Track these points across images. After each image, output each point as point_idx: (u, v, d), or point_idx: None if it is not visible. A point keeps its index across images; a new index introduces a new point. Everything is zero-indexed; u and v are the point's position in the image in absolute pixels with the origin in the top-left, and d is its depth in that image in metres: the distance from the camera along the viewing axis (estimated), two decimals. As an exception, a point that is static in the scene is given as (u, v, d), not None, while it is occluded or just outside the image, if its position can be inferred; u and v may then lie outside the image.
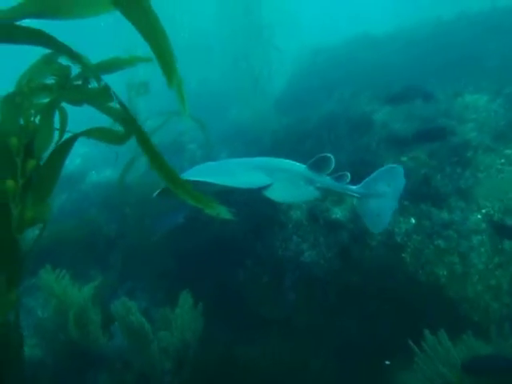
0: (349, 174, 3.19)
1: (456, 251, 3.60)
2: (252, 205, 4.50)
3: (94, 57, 2.02)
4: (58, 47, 1.67)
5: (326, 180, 3.13)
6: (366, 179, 3.28)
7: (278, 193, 2.94)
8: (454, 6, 8.90)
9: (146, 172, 7.00)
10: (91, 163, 10.48)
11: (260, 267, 4.50)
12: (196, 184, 2.66)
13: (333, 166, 3.12)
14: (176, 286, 4.00)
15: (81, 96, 2.04)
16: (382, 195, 3.25)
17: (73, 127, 2.06)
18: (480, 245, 3.57)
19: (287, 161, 3.20)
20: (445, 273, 3.52)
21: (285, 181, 3.02)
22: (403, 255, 3.66)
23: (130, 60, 2.33)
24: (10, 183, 1.62)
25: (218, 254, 4.66)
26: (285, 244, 4.23)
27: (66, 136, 2.01)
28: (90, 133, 2.03)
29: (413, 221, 3.81)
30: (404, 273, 3.62)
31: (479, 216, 3.66)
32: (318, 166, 3.10)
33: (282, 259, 4.26)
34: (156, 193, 2.74)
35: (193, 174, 2.83)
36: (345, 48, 10.39)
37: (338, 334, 4.11)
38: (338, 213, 4.04)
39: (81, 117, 4.53)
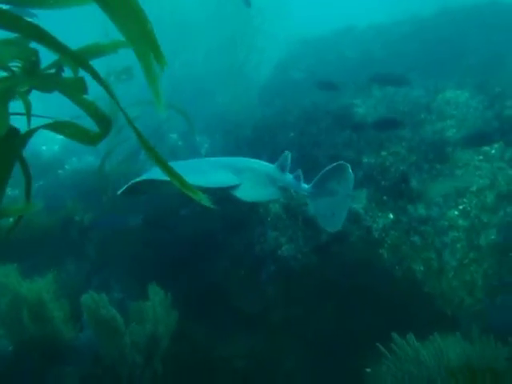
0: (301, 172, 3.26)
1: (432, 247, 3.61)
2: (227, 201, 4.44)
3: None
4: (30, 31, 1.54)
5: (285, 179, 3.20)
6: (315, 178, 3.32)
7: (246, 192, 2.97)
8: (436, 1, 8.92)
9: (125, 159, 6.83)
10: (74, 149, 10.10)
11: (237, 261, 4.45)
12: (164, 183, 2.61)
13: (289, 162, 3.20)
14: (151, 278, 3.91)
15: (50, 85, 1.89)
16: (333, 194, 3.27)
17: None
18: (456, 241, 3.59)
19: (255, 160, 3.25)
20: (421, 268, 3.53)
21: (252, 180, 3.06)
22: (381, 251, 3.65)
23: (112, 46, 2.20)
24: None
25: (195, 248, 4.59)
26: (263, 238, 4.18)
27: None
28: (55, 127, 1.88)
29: (391, 216, 3.80)
30: (381, 268, 3.62)
31: (456, 212, 3.67)
32: (283, 163, 3.19)
33: (259, 253, 4.21)
34: (120, 191, 2.67)
35: (158, 173, 2.68)
36: (331, 40, 10.32)
37: (314, 328, 4.10)
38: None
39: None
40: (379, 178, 4.07)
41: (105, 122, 1.86)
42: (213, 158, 3.31)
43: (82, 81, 1.95)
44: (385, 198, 3.88)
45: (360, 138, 4.62)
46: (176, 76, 10.55)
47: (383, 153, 4.23)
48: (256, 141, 5.72)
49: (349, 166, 3.25)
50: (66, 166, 9.22)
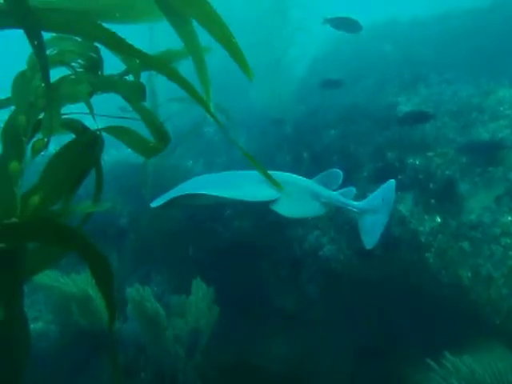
0: (354, 190, 3.20)
1: (482, 253, 3.47)
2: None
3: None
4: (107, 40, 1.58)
5: (331, 195, 3.11)
6: (370, 195, 3.28)
7: (286, 207, 2.88)
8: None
9: (166, 153, 6.91)
10: (111, 140, 10.30)
11: (278, 260, 4.44)
12: (200, 197, 2.60)
13: (340, 181, 3.13)
14: (192, 273, 3.96)
15: (110, 86, 1.91)
16: (377, 211, 3.23)
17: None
18: (508, 248, 3.43)
19: (294, 175, 3.17)
20: (469, 275, 3.40)
21: (292, 195, 2.95)
22: (427, 255, 3.54)
23: (183, 53, 2.24)
24: (14, 164, 1.52)
25: (237, 247, 4.59)
26: (304, 238, 4.15)
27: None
28: (116, 132, 1.90)
29: (438, 220, 3.67)
30: (427, 273, 3.51)
31: (510, 218, 3.50)
32: (326, 180, 3.11)
33: (300, 253, 4.18)
34: (156, 204, 2.62)
35: (196, 186, 2.72)
36: (369, 35, 10.04)
37: (354, 331, 4.05)
38: (360, 208, 3.91)
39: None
40: (425, 180, 3.94)
41: (161, 134, 1.87)
42: (250, 172, 3.20)
43: (141, 86, 1.96)
44: (432, 201, 3.76)
45: (404, 138, 4.49)
46: (216, 71, 10.58)
47: (430, 153, 4.09)
48: (296, 139, 5.66)
49: (394, 183, 3.21)
50: (105, 157, 9.46)
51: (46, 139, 1.62)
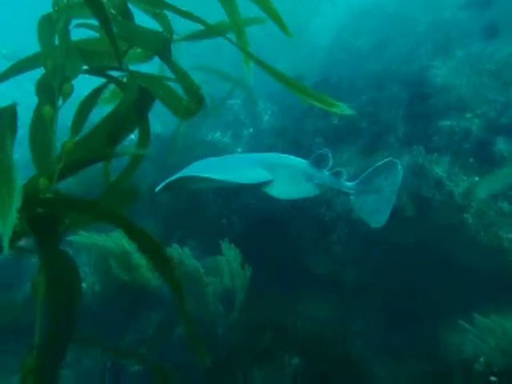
0: (344, 171, 3.23)
1: (522, 214, 3.41)
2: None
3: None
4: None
5: (324, 176, 3.16)
6: (362, 175, 3.28)
7: (279, 189, 2.96)
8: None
9: (192, 123, 6.93)
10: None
11: (308, 225, 4.47)
12: (196, 180, 2.71)
13: (331, 162, 3.17)
14: (224, 238, 4.03)
15: (136, 37, 1.87)
16: (379, 190, 3.24)
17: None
18: (550, 209, 3.36)
19: (289, 156, 3.22)
20: (509, 236, 3.35)
21: (286, 177, 3.03)
22: (465, 216, 3.50)
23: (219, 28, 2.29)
24: (47, 109, 1.54)
25: (267, 213, 4.64)
26: (334, 201, 4.16)
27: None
28: (151, 82, 1.81)
29: (477, 180, 3.61)
30: (464, 235, 3.48)
31: (552, 178, 3.42)
32: (318, 161, 3.15)
33: (330, 216, 4.20)
34: (158, 188, 2.69)
35: (193, 170, 2.80)
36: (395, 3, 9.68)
37: (386, 295, 4.08)
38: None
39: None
40: (462, 141, 3.86)
41: (197, 97, 1.84)
42: (246, 155, 3.38)
43: (168, 40, 1.94)
44: (471, 161, 3.69)
45: (440, 101, 4.38)
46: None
47: (468, 115, 3.99)
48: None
49: (398, 162, 3.20)
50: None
51: (72, 83, 1.63)
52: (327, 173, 3.20)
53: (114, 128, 1.73)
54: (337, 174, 3.23)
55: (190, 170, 2.84)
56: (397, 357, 3.88)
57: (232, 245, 3.85)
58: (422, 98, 4.51)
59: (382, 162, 3.25)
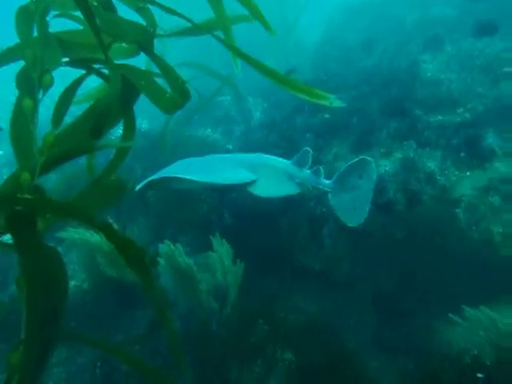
0: (321, 168, 3.31)
1: (512, 208, 3.45)
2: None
3: None
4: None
5: (304, 175, 3.26)
6: (337, 173, 3.35)
7: (261, 188, 3.07)
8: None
9: (181, 120, 6.88)
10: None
11: (299, 223, 4.46)
12: (179, 181, 2.74)
13: (310, 160, 3.27)
14: (214, 234, 4.00)
15: (119, 30, 1.83)
16: (355, 188, 3.29)
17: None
18: (540, 202, 3.40)
19: (271, 157, 3.31)
20: (500, 230, 3.39)
21: (268, 177, 3.12)
22: (456, 210, 3.53)
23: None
24: (27, 101, 1.51)
25: (257, 208, 4.62)
26: (325, 198, 4.15)
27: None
28: (134, 73, 1.75)
29: (468, 174, 3.64)
30: (455, 229, 3.51)
31: (542, 172, 3.46)
32: (300, 161, 3.25)
33: (320, 213, 4.19)
34: (139, 186, 2.71)
35: (176, 171, 2.84)
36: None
37: (379, 289, 4.09)
38: (387, 165, 3.89)
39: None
40: (454, 136, 3.88)
41: (182, 91, 1.81)
42: (229, 155, 3.40)
43: (151, 33, 1.90)
44: (462, 154, 3.72)
45: (429, 95, 4.40)
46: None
47: (459, 110, 4.02)
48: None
49: (372, 160, 3.25)
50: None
51: (51, 74, 1.61)
52: (308, 171, 3.28)
53: (97, 120, 1.70)
54: (316, 172, 3.30)
55: (171, 170, 2.88)
56: (389, 350, 3.90)
57: (223, 240, 3.82)
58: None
59: (355, 160, 3.29)
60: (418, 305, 3.85)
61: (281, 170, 3.22)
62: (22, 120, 1.62)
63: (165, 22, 2.60)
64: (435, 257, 3.65)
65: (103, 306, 3.80)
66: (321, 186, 3.35)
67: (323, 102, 2.02)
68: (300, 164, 3.26)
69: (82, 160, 2.23)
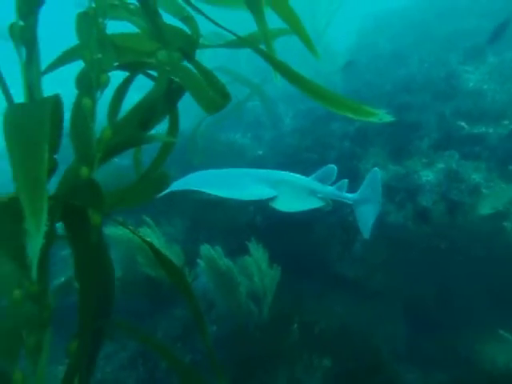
0: (346, 182, 3.37)
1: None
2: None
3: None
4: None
5: (327, 190, 3.33)
6: (362, 186, 3.43)
7: (282, 204, 3.12)
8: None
9: (211, 123, 6.96)
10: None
11: (333, 227, 4.44)
12: (201, 192, 2.81)
13: (335, 176, 3.34)
14: (249, 238, 4.02)
15: (164, 34, 1.90)
16: (367, 201, 3.39)
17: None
18: None
19: (291, 174, 3.39)
20: (550, 245, 3.31)
21: (289, 193, 3.18)
22: (504, 224, 3.45)
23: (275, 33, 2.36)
24: (85, 100, 1.57)
25: (289, 221, 4.61)
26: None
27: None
28: (184, 74, 1.87)
29: (516, 188, 3.57)
30: (502, 242, 3.43)
31: None
32: (322, 176, 3.34)
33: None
34: (161, 195, 2.79)
35: (198, 182, 2.92)
36: (420, 8, 9.67)
37: (413, 298, 4.03)
38: (429, 175, 3.85)
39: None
40: (500, 148, 3.81)
41: (222, 94, 1.85)
42: (249, 170, 3.44)
43: (196, 40, 1.96)
44: (511, 167, 3.64)
45: (474, 107, 4.34)
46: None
47: (505, 122, 3.95)
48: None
49: (378, 171, 3.35)
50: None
51: (108, 75, 1.68)
52: (330, 187, 3.36)
53: (144, 116, 1.78)
54: (341, 187, 3.37)
55: (193, 181, 2.93)
56: (425, 364, 3.83)
57: (259, 245, 3.83)
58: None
59: (371, 172, 3.39)
60: (458, 318, 3.77)
61: (301, 185, 3.29)
62: (82, 118, 1.68)
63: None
64: (478, 271, 3.58)
65: (140, 303, 3.85)
66: (344, 200, 3.42)
67: (372, 119, 1.96)
68: (323, 179, 3.33)
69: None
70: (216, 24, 1.96)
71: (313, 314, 3.90)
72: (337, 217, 4.48)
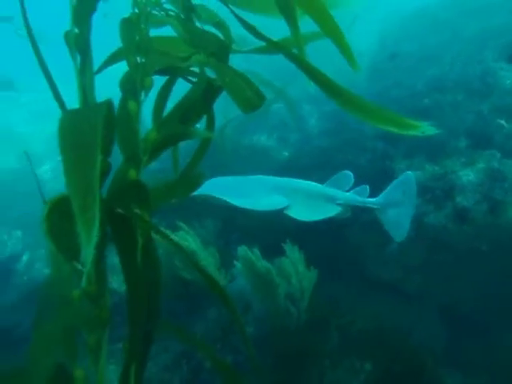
0: (368, 187, 3.34)
1: None
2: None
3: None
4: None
5: (346, 196, 3.30)
6: (385, 191, 3.39)
7: (299, 212, 3.14)
8: None
9: (236, 125, 7.00)
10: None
11: (369, 228, 4.38)
12: (215, 199, 2.92)
13: (352, 181, 3.33)
14: (282, 240, 4.00)
15: (197, 38, 1.94)
16: (399, 204, 3.33)
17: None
18: None
19: (306, 182, 3.39)
20: None
21: (303, 202, 3.20)
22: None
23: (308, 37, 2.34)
24: (131, 104, 1.59)
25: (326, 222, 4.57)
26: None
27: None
28: (221, 70, 1.89)
29: None
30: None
31: None
32: (338, 182, 3.33)
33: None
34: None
35: (213, 189, 2.97)
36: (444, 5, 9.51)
37: (452, 301, 3.95)
38: (469, 174, 3.76)
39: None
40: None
41: (257, 94, 1.87)
42: (268, 178, 3.45)
43: (228, 45, 1.98)
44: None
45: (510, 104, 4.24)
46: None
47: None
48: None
49: (412, 174, 3.31)
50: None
51: (151, 78, 1.70)
52: (348, 192, 3.34)
53: (184, 115, 1.81)
54: (361, 192, 3.35)
55: (209, 187, 2.95)
56: (466, 368, 3.74)
57: (295, 246, 3.81)
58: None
59: (400, 176, 3.38)
60: (499, 323, 3.67)
61: (316, 193, 3.29)
62: (128, 121, 1.71)
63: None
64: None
65: (177, 305, 3.87)
66: (367, 205, 3.39)
67: (414, 133, 1.85)
68: (338, 185, 3.33)
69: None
70: (249, 29, 1.95)
71: (349, 316, 3.85)
72: (371, 216, 4.41)
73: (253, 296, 3.52)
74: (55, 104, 1.65)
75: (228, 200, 2.89)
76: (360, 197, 3.34)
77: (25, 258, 7.55)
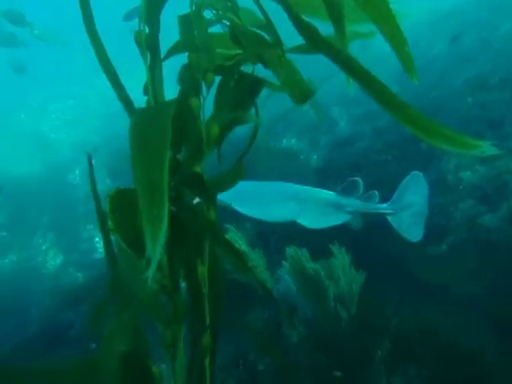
0: (377, 193, 3.33)
1: None
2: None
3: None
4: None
5: (356, 203, 3.32)
6: (395, 194, 3.37)
7: (310, 221, 3.24)
8: None
9: (266, 128, 6.96)
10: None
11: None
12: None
13: (361, 188, 3.31)
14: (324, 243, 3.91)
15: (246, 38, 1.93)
16: (411, 205, 3.31)
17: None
18: None
19: (317, 190, 3.42)
20: None
21: (315, 209, 3.28)
22: None
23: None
24: (194, 101, 1.57)
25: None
26: (453, 207, 3.92)
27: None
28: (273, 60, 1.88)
29: None
30: None
31: None
32: (347, 190, 3.32)
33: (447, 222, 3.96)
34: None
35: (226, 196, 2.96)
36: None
37: (506, 308, 3.77)
38: (525, 173, 3.62)
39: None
40: None
41: (309, 88, 1.85)
42: (281, 186, 3.47)
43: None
44: None
45: None
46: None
47: None
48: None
49: (421, 174, 3.28)
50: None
51: (213, 73, 1.68)
52: (358, 200, 3.34)
53: (233, 109, 1.83)
54: (370, 198, 3.34)
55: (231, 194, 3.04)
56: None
57: (343, 248, 3.72)
58: None
59: (407, 177, 3.33)
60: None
61: (327, 201, 3.32)
62: (191, 117, 1.69)
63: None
64: None
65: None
66: (378, 211, 3.37)
67: (472, 153, 1.68)
68: (348, 192, 3.32)
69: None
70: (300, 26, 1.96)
71: (398, 320, 3.73)
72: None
73: (298, 298, 3.44)
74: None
75: (239, 209, 3.00)
76: (372, 204, 3.35)
77: (58, 261, 7.66)
